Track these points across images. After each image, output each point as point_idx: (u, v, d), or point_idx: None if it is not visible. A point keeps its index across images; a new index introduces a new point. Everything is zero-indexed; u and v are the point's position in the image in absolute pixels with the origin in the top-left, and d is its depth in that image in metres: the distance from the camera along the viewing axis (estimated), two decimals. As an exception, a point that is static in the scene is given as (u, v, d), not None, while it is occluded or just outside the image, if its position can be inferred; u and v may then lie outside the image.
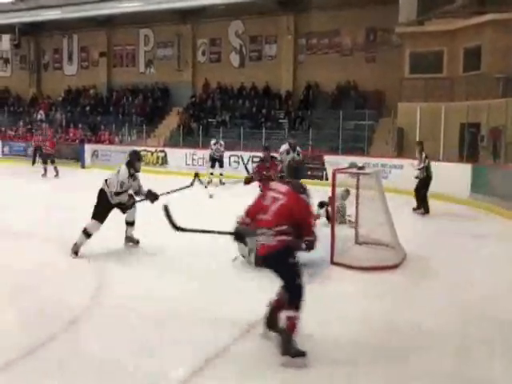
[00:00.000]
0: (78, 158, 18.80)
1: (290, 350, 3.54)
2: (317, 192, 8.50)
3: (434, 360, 3.70)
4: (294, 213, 3.69)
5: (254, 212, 3.86)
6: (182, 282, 5.40)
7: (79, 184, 13.57)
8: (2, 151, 21.54)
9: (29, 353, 3.63)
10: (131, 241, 6.71)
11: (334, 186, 6.54)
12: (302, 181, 4.34)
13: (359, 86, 18.47)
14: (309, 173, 14.00)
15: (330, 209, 7.68)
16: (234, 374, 3.46)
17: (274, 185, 3.98)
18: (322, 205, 8.42)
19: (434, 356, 3.76)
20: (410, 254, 6.36)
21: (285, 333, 3.59)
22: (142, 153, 17.86)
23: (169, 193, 6.63)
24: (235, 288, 5.25)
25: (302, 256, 5.68)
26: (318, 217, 6.30)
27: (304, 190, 4.12)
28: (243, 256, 5.94)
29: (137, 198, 6.61)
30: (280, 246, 3.62)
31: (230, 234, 3.93)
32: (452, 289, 5.35)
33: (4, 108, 25.32)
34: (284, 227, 3.63)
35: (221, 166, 14.05)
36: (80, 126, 21.87)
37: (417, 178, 9.95)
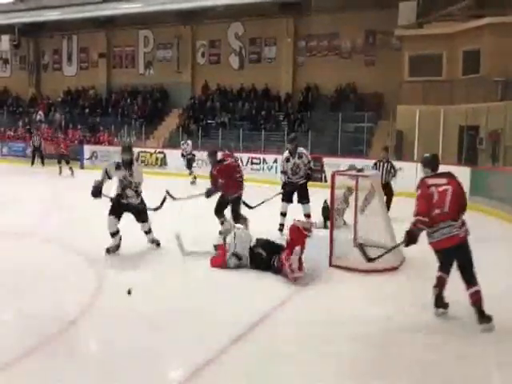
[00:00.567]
0: (77, 159, 18.81)
1: (486, 318, 4.21)
2: (316, 193, 8.58)
3: (434, 362, 3.71)
4: (461, 198, 4.34)
5: (427, 210, 4.25)
6: (181, 282, 5.42)
7: (78, 184, 13.55)
8: (1, 151, 21.54)
9: (28, 353, 3.63)
10: (153, 242, 6.71)
11: (333, 188, 6.56)
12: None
13: (358, 89, 18.52)
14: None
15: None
16: (234, 375, 3.47)
17: (431, 180, 4.37)
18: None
19: (435, 358, 3.77)
20: (408, 256, 6.38)
21: (477, 305, 4.24)
22: (141, 154, 18.28)
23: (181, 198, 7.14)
24: (235, 288, 5.27)
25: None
26: (311, 228, 6.12)
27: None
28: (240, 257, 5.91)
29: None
30: (466, 236, 4.29)
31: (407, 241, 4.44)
32: (452, 292, 5.36)
33: (3, 108, 25.34)
34: (462, 217, 4.30)
35: (188, 166, 14.70)
36: (79, 126, 21.89)
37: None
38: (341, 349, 3.88)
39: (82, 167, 18.38)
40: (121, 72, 24.21)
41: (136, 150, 18.26)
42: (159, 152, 17.92)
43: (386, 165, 9.38)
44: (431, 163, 4.50)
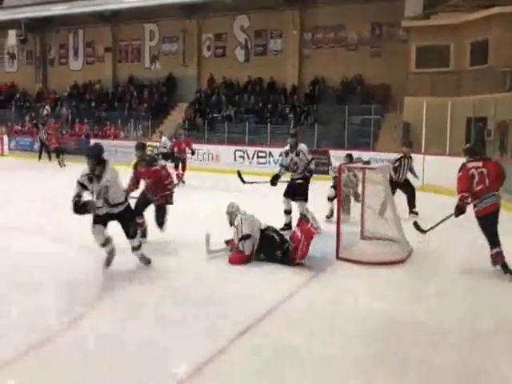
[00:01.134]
0: (83, 153, 18.90)
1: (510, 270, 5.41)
2: (322, 186, 8.56)
3: (439, 355, 3.71)
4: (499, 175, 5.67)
5: (468, 188, 5.48)
6: (191, 276, 5.43)
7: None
8: (9, 146, 21.68)
9: (33, 348, 3.66)
10: (142, 259, 5.65)
11: (339, 180, 6.54)
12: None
13: (365, 81, 18.40)
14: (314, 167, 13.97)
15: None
16: (243, 366, 3.49)
17: (470, 164, 5.60)
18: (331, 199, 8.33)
19: (440, 351, 3.77)
20: (415, 249, 6.36)
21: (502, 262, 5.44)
22: (147, 148, 18.31)
23: None
24: (242, 281, 5.28)
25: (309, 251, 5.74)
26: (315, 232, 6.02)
27: None
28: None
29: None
30: (499, 203, 5.62)
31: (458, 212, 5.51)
32: (459, 284, 5.34)
33: (11, 103, 25.45)
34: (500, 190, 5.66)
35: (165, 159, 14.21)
36: (86, 120, 21.95)
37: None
38: (346, 342, 3.88)
39: (88, 161, 18.40)
40: (127, 66, 24.21)
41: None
42: (165, 146, 17.91)
43: (408, 161, 8.94)
44: (469, 152, 5.76)
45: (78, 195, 5.17)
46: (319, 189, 8.20)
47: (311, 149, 8.97)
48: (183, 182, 12.83)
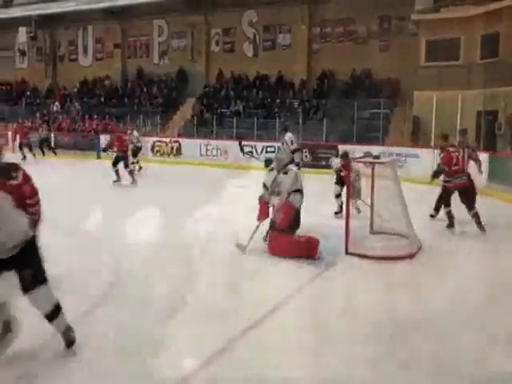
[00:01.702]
0: (93, 149, 19.05)
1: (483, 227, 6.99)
2: (331, 181, 8.55)
3: (448, 350, 3.71)
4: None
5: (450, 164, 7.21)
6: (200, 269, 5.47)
7: (93, 174, 13.65)
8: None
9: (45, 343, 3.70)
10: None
11: (348, 175, 6.54)
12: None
13: (374, 75, 18.30)
14: (323, 162, 13.96)
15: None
16: (247, 362, 3.51)
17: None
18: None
19: (449, 345, 3.77)
20: (425, 243, 6.35)
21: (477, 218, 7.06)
22: (156, 143, 18.43)
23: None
24: (251, 275, 5.30)
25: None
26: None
27: None
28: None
29: None
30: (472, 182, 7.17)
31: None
32: (469, 279, 5.33)
33: (21, 100, 25.63)
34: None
35: (133, 155, 13.60)
36: (95, 116, 22.06)
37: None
38: (355, 337, 3.89)
39: (98, 157, 18.51)
40: (136, 62, 24.27)
41: (151, 140, 18.43)
42: (174, 141, 18.01)
43: (466, 151, 7.43)
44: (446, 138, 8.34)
45: None
46: (327, 183, 8.17)
47: (316, 141, 8.90)
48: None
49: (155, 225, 7.01)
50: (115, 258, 5.76)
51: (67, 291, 4.10)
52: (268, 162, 7.36)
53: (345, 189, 7.02)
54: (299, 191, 6.05)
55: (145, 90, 22.82)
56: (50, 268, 3.54)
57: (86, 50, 25.79)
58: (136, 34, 24.13)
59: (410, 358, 3.58)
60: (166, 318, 4.08)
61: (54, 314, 3.44)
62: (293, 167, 7.40)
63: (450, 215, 7.38)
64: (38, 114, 23.85)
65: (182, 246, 6.16)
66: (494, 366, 3.50)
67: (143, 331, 3.87)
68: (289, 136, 7.71)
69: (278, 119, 17.45)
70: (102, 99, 23.44)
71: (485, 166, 10.99)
